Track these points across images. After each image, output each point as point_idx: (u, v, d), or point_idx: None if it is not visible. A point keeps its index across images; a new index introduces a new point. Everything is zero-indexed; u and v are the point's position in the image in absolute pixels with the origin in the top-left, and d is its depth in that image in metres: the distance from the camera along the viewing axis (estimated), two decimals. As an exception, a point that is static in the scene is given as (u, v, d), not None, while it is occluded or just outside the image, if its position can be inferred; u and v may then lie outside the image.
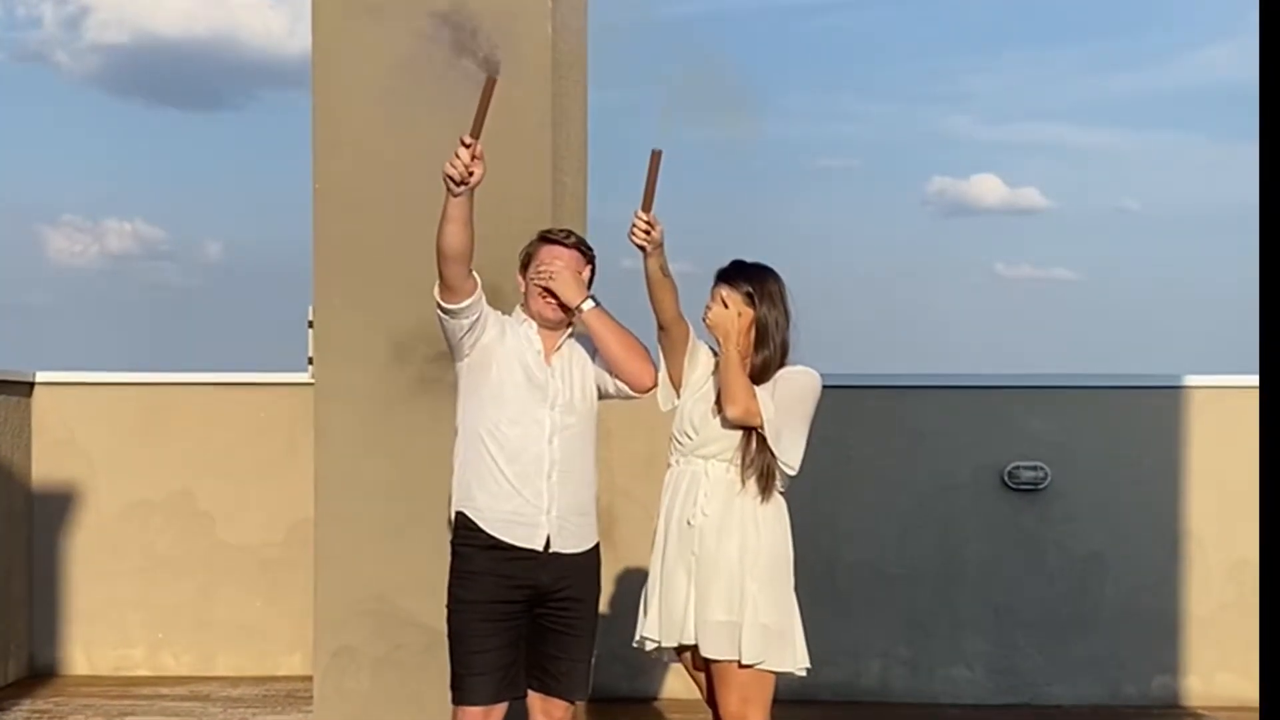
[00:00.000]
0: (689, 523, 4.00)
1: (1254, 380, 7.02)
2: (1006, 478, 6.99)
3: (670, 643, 4.06)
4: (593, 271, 4.17)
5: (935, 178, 20.10)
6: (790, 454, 3.99)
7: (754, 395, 3.96)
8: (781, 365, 4.08)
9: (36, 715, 6.66)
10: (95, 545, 7.61)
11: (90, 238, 19.57)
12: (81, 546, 7.62)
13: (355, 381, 5.73)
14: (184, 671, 7.55)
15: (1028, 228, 20.70)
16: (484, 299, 4.01)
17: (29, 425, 7.56)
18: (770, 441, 3.97)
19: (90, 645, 7.63)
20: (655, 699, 6.92)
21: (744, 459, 4.01)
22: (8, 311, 15.67)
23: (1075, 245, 20.12)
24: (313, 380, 5.99)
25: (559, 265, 4.06)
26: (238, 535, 7.57)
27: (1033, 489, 7.00)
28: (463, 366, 4.08)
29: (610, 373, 4.11)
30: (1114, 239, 19.51)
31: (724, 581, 3.96)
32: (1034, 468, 6.98)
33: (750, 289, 4.06)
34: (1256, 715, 6.72)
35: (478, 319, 3.99)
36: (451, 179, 3.73)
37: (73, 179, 19.61)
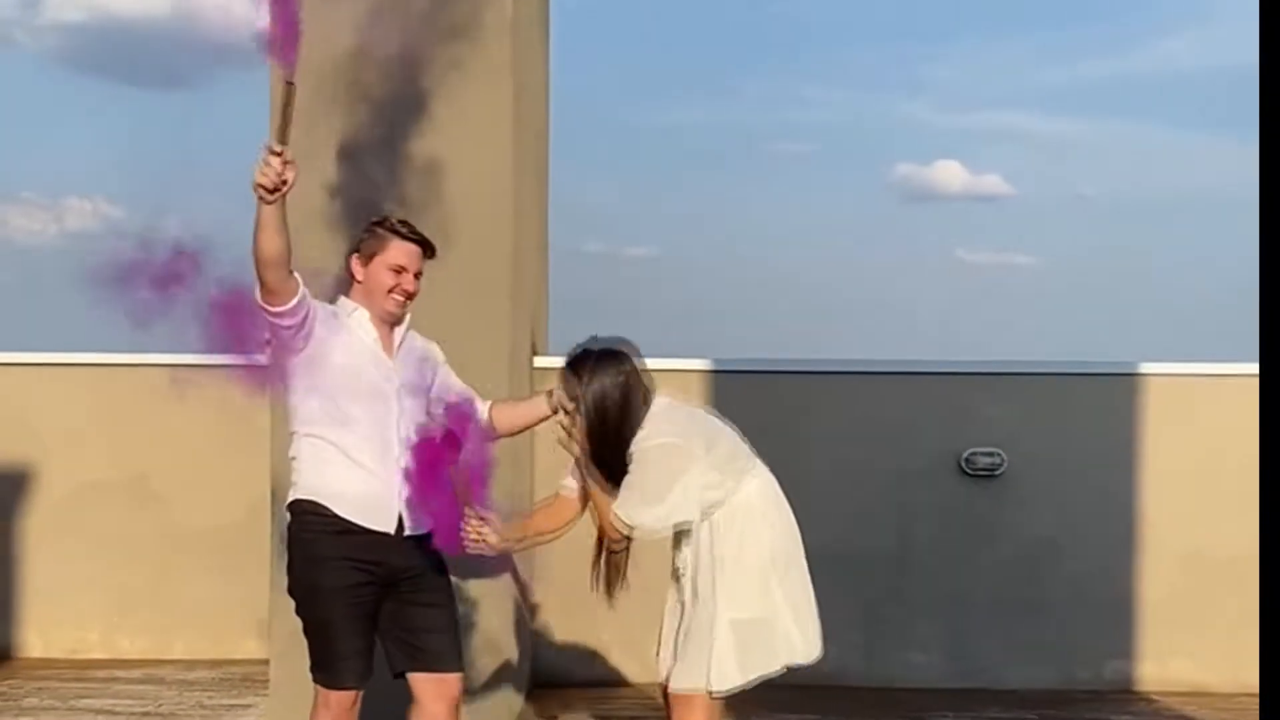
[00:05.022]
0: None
1: (1208, 368, 7.14)
2: (964, 464, 7.03)
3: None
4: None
5: (898, 164, 20.17)
6: (632, 515, 3.92)
7: (617, 526, 3.93)
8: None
9: (-11, 698, 6.62)
10: (50, 527, 7.55)
11: (50, 216, 19.38)
12: (35, 528, 7.56)
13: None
14: (139, 655, 7.51)
15: (990, 214, 20.80)
16: (308, 294, 3.97)
17: (-18, 406, 7.50)
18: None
19: (45, 628, 7.57)
20: (609, 685, 6.93)
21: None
22: (-38, 291, 15.51)
23: (1035, 231, 20.24)
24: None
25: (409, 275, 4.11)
26: (194, 517, 7.53)
27: (989, 475, 7.04)
28: (297, 362, 4.04)
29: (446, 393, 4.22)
30: (1072, 226, 19.64)
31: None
32: (991, 454, 7.02)
33: (573, 388, 4.00)
34: (1206, 699, 6.84)
35: (306, 315, 3.96)
36: (265, 188, 3.67)
37: (33, 157, 19.41)
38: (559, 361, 6.38)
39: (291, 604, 4.14)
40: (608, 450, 3.94)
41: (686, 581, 4.05)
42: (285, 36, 3.65)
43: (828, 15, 20.68)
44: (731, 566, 3.97)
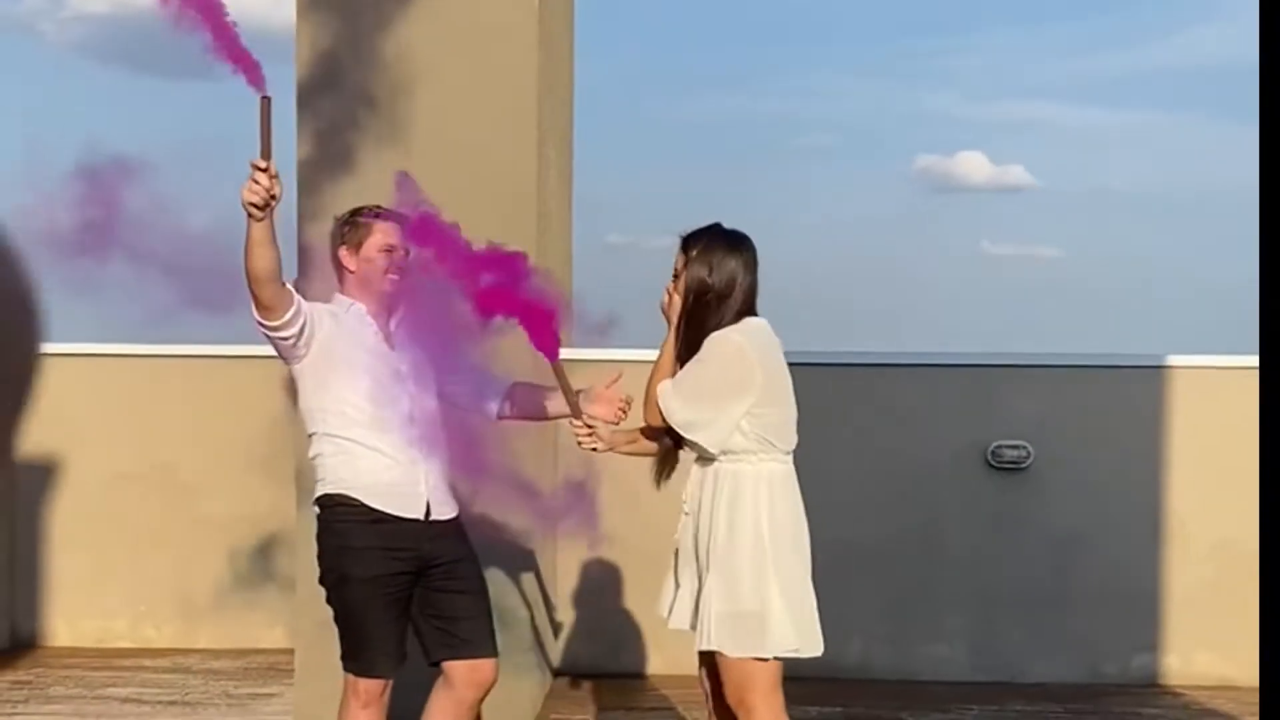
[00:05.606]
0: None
1: (1234, 360, 7.09)
2: (990, 457, 7.01)
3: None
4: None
5: (921, 155, 20.11)
6: (671, 404, 3.88)
7: (657, 408, 3.90)
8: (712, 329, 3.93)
9: (18, 686, 6.66)
10: (78, 517, 7.60)
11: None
12: (64, 518, 7.61)
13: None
14: (166, 643, 7.55)
15: (1014, 205, 20.73)
16: (303, 302, 3.96)
17: (11, 396, 7.54)
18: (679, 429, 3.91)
19: (72, 616, 7.62)
20: (639, 675, 6.94)
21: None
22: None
23: (1060, 223, 20.17)
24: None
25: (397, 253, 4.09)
26: (220, 508, 7.56)
27: (1015, 468, 7.02)
28: (303, 367, 4.05)
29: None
30: (1098, 217, 19.56)
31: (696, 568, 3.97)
32: (1017, 447, 7.00)
33: (680, 260, 3.96)
34: (1233, 693, 6.81)
35: (305, 323, 3.96)
36: (256, 205, 3.64)
37: (56, 148, 19.50)
38: (582, 354, 6.41)
39: (318, 593, 4.15)
40: (688, 333, 3.92)
41: (687, 535, 3.99)
42: (241, 65, 3.64)
43: (850, 7, 20.63)
44: (725, 553, 3.87)
